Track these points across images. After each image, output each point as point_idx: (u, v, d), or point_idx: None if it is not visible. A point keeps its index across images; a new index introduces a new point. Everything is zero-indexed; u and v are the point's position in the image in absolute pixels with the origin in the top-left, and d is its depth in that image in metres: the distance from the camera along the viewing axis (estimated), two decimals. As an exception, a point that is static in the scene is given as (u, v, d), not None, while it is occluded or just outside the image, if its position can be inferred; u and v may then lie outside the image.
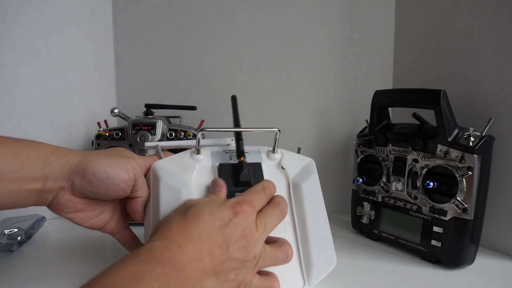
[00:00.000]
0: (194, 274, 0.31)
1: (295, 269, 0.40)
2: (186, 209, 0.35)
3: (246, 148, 0.45)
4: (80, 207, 0.41)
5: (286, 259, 0.38)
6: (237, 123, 0.46)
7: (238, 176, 0.41)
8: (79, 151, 0.41)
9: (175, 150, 0.46)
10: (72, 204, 0.40)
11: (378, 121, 0.62)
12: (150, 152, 0.65)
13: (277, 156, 0.45)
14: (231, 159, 0.44)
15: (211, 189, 0.40)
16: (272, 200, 0.39)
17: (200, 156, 0.43)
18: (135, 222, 0.44)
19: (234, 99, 0.48)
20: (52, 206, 0.40)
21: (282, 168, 0.44)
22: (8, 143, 0.37)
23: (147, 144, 0.49)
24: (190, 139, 0.67)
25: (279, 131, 0.44)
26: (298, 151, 0.48)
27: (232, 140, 0.46)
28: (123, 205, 0.44)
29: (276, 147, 0.45)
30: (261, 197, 0.38)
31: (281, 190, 0.42)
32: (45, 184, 0.38)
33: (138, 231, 0.46)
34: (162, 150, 0.45)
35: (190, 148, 0.44)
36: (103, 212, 0.43)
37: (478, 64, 0.59)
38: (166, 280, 0.28)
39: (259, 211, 0.37)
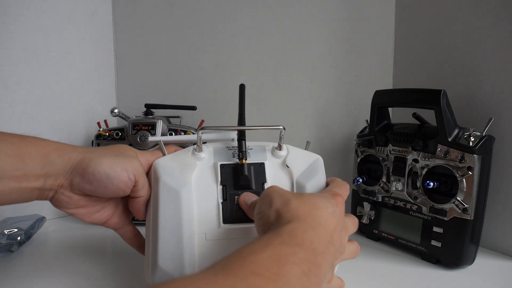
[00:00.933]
0: (326, 260, 0.31)
1: None
2: (297, 196, 0.35)
3: (250, 144, 0.44)
4: (80, 204, 0.41)
5: (358, 253, 0.40)
6: (242, 114, 0.45)
7: (239, 178, 0.41)
8: (82, 147, 0.40)
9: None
10: (72, 201, 0.40)
11: (378, 121, 0.62)
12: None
13: (282, 153, 0.44)
14: (234, 157, 0.43)
15: None
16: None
17: (202, 154, 0.42)
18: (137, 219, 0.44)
19: (242, 88, 0.47)
20: (53, 202, 0.40)
21: (287, 166, 0.43)
22: (10, 140, 0.37)
23: (150, 138, 0.49)
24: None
25: (284, 128, 0.43)
26: (307, 145, 0.46)
27: (237, 135, 0.45)
28: (125, 201, 0.44)
29: (281, 145, 0.44)
30: (345, 191, 0.40)
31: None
32: (46, 182, 0.38)
33: (141, 230, 0.46)
34: (166, 144, 0.44)
35: (193, 143, 0.43)
36: (104, 208, 0.43)
37: (478, 64, 0.59)
38: (308, 266, 0.28)
39: None
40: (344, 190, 0.40)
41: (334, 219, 0.34)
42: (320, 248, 0.30)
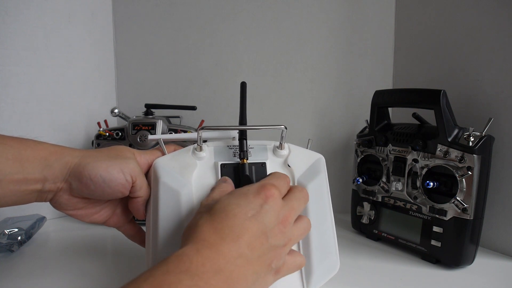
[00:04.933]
0: (233, 274, 0.28)
1: (294, 274, 0.39)
2: (209, 209, 0.32)
3: (251, 143, 0.43)
4: (79, 206, 0.41)
5: (309, 227, 0.37)
6: (243, 113, 0.44)
7: (240, 179, 0.41)
8: (79, 151, 0.40)
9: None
10: (71, 203, 0.40)
11: (378, 121, 0.62)
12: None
13: (284, 152, 0.43)
14: (235, 156, 0.42)
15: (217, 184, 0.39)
16: (292, 187, 0.37)
17: (202, 153, 0.42)
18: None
19: (243, 86, 0.46)
20: (52, 203, 0.41)
21: (288, 166, 0.42)
22: (10, 143, 0.37)
23: (150, 137, 0.48)
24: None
25: (286, 128, 0.42)
26: (309, 143, 0.45)
27: (238, 133, 0.44)
28: (125, 201, 0.44)
29: (283, 144, 0.43)
30: (284, 182, 0.36)
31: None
32: (44, 185, 0.38)
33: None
34: (166, 143, 0.44)
35: (194, 142, 0.43)
36: (103, 208, 0.43)
37: (478, 64, 0.59)
38: None
39: (283, 197, 0.35)
40: (282, 182, 0.36)
41: (255, 224, 0.31)
42: (219, 264, 0.28)
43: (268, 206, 0.32)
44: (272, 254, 0.32)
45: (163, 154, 0.43)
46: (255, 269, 0.30)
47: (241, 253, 0.29)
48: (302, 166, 0.42)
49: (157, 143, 0.43)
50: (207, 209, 0.33)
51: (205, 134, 0.42)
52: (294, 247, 0.40)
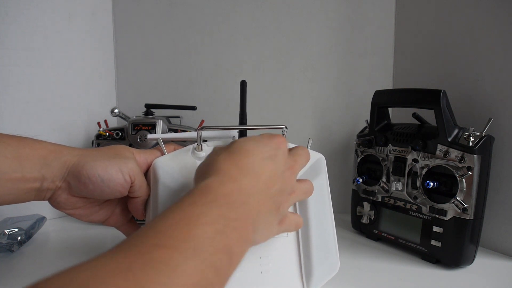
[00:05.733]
0: (253, 210, 0.30)
1: (294, 275, 0.39)
2: (226, 148, 0.33)
3: None
4: (78, 205, 0.41)
5: (311, 191, 0.38)
6: (243, 112, 0.44)
7: None
8: (78, 150, 0.40)
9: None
10: (70, 202, 0.40)
11: (378, 121, 0.62)
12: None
13: None
14: None
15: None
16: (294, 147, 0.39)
17: (202, 153, 0.41)
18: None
19: (243, 84, 0.46)
20: (51, 202, 0.41)
21: None
22: (9, 142, 0.37)
23: (149, 136, 0.48)
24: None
25: (286, 128, 0.42)
26: (309, 143, 0.45)
27: (237, 132, 0.44)
28: (124, 200, 0.44)
29: None
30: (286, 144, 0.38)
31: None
32: (43, 184, 0.38)
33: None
34: (165, 142, 0.44)
35: (194, 141, 0.43)
36: (102, 208, 0.43)
37: (478, 64, 0.59)
38: (222, 223, 0.26)
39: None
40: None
41: (271, 164, 0.32)
42: (242, 198, 0.29)
43: (280, 151, 0.34)
44: (281, 198, 0.33)
45: (163, 153, 0.43)
46: (269, 208, 0.32)
47: (260, 190, 0.31)
48: None
49: (157, 142, 0.43)
50: (223, 149, 0.34)
51: (205, 134, 0.42)
52: (294, 246, 0.40)
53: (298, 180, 0.37)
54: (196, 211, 0.26)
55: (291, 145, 0.44)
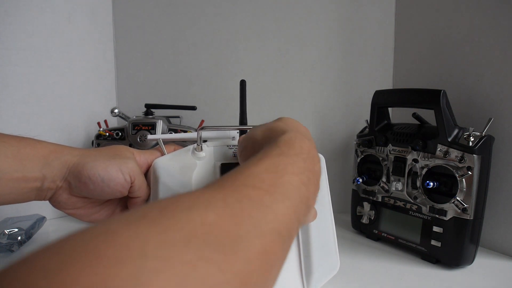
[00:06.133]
0: (319, 169, 0.31)
1: (295, 275, 0.39)
2: (276, 120, 0.36)
3: None
4: (78, 205, 0.41)
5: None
6: (243, 112, 0.44)
7: None
8: (79, 150, 0.40)
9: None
10: (70, 202, 0.40)
11: (378, 121, 0.62)
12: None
13: None
14: (235, 156, 0.42)
15: None
16: None
17: (202, 153, 0.42)
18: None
19: (243, 84, 0.46)
20: (52, 202, 0.41)
21: None
22: (9, 141, 0.37)
23: (149, 136, 0.48)
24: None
25: None
26: None
27: (237, 133, 0.45)
28: (125, 200, 0.44)
29: None
30: None
31: None
32: (44, 183, 0.38)
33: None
34: (165, 142, 0.44)
35: (194, 142, 0.43)
36: (103, 208, 0.43)
37: (478, 64, 0.59)
38: (307, 175, 0.28)
39: None
40: None
41: (310, 141, 0.34)
42: (317, 158, 0.31)
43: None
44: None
45: (163, 154, 0.43)
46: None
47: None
48: None
49: (157, 143, 0.43)
50: (274, 121, 0.37)
51: (205, 134, 0.42)
52: (294, 246, 0.40)
53: None
54: (284, 160, 0.27)
55: None
